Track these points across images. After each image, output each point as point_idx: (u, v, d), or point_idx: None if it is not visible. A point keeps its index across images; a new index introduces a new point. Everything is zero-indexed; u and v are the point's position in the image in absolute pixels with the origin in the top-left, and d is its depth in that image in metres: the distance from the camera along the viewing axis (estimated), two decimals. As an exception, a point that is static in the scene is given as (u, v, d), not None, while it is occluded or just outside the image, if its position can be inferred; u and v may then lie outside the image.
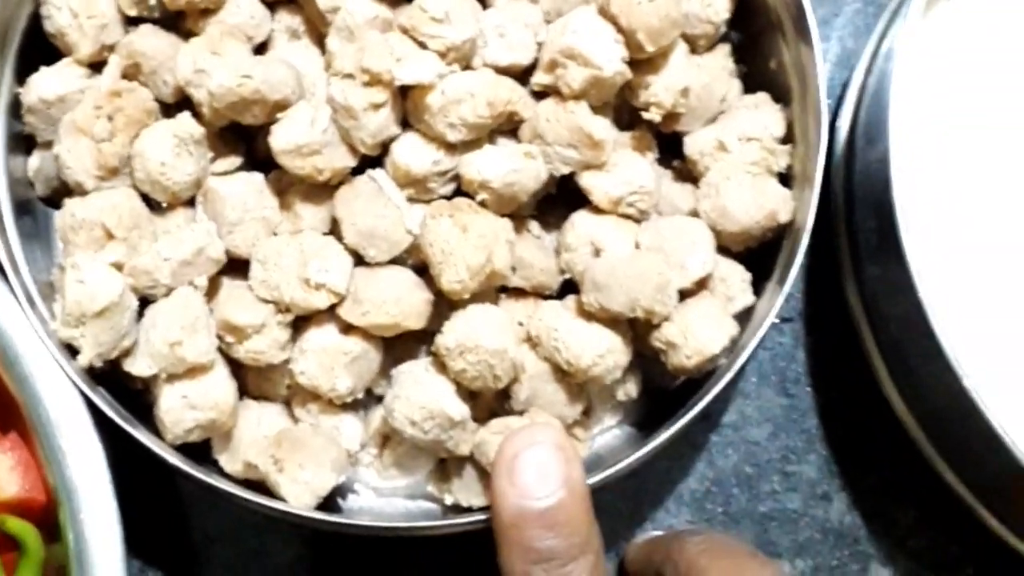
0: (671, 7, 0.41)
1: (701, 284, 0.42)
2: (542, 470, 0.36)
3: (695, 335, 0.41)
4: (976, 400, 0.38)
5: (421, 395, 0.40)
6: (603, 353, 0.40)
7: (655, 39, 0.41)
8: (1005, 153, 0.47)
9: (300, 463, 0.39)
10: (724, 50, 0.46)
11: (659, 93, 0.42)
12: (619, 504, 0.48)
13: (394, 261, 0.41)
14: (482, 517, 0.40)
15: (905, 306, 0.41)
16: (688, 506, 0.49)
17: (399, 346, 0.42)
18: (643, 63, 0.42)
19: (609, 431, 0.46)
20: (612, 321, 0.41)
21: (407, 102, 0.40)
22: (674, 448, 0.48)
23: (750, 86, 0.46)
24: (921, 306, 0.39)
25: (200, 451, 0.41)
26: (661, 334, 0.41)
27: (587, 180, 0.41)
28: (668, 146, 0.45)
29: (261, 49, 0.43)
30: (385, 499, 0.44)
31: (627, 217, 0.42)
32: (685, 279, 0.41)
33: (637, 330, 0.42)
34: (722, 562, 0.38)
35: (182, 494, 0.47)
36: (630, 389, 0.44)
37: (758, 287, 0.44)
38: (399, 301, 0.40)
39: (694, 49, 0.44)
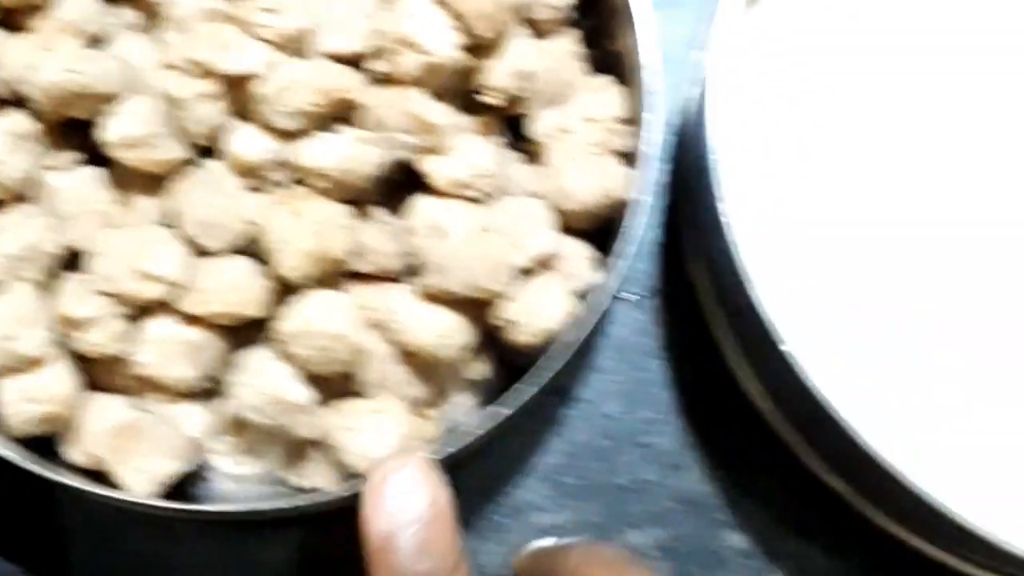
0: (504, -8, 0.41)
1: (542, 263, 0.43)
2: (410, 492, 0.36)
3: (535, 312, 0.42)
4: (794, 367, 0.39)
5: (262, 381, 0.40)
6: (445, 334, 0.41)
7: (490, 24, 0.42)
8: (831, 126, 0.48)
9: (141, 452, 0.40)
10: (571, 34, 0.46)
11: (500, 78, 0.43)
12: (475, 483, 0.49)
13: (236, 251, 0.41)
14: (325, 499, 0.40)
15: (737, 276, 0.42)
16: (545, 481, 0.49)
17: (246, 334, 0.42)
18: (484, 48, 0.43)
19: (465, 410, 0.46)
20: (455, 302, 0.41)
21: (239, 92, 0.40)
22: (529, 424, 0.49)
23: (600, 69, 0.47)
24: (737, 272, 0.40)
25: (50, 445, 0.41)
26: (501, 312, 0.42)
27: (426, 164, 0.42)
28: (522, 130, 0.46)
29: (100, 44, 0.43)
30: (242, 486, 0.44)
31: (470, 200, 0.43)
32: (525, 258, 0.42)
33: (482, 309, 0.42)
34: (601, 570, 0.38)
35: (44, 488, 0.46)
36: (482, 368, 0.45)
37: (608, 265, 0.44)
38: (238, 289, 0.40)
39: (540, 33, 0.45)
